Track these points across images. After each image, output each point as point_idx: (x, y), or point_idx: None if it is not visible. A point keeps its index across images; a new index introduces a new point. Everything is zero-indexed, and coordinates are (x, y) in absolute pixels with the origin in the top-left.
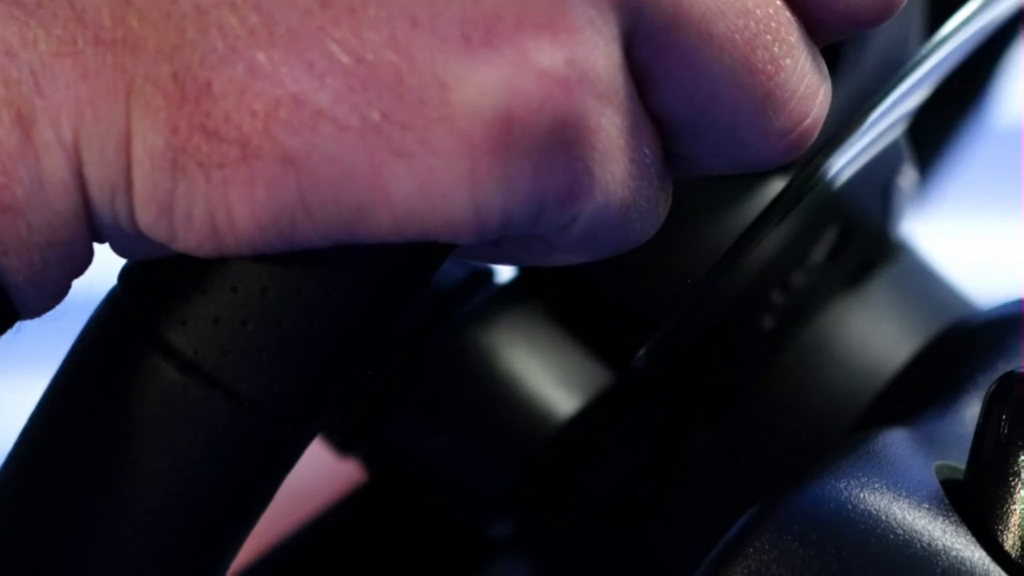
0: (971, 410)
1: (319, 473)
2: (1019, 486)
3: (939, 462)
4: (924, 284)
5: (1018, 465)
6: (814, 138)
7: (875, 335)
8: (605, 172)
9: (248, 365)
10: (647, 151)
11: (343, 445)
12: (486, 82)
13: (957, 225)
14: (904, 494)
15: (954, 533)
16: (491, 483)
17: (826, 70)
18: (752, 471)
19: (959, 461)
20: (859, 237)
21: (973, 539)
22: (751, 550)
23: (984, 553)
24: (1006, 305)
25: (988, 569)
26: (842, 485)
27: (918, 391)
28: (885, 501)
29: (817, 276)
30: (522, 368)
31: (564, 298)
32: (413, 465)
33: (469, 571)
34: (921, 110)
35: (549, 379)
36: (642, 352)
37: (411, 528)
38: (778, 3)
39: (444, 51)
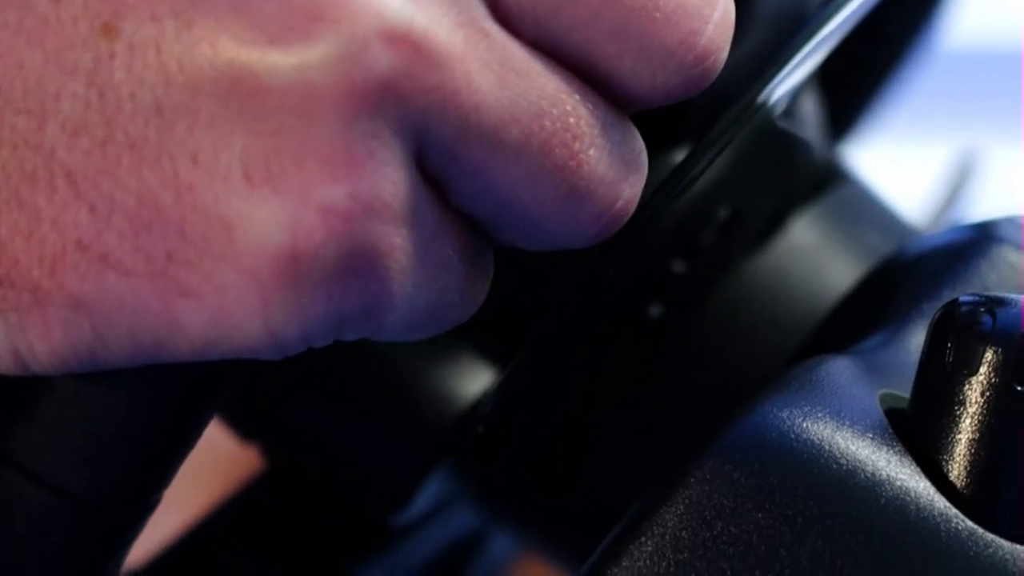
0: (916, 338)
1: (220, 460)
2: (964, 416)
3: (883, 391)
4: (866, 212)
5: (963, 394)
6: (630, 214)
7: (817, 263)
8: (405, 286)
9: (67, 461)
10: (452, 252)
11: (245, 432)
12: (268, 220)
13: (901, 151)
14: (848, 423)
15: (898, 463)
16: (393, 469)
17: (639, 145)
18: (692, 403)
19: (903, 390)
20: (795, 169)
21: (917, 469)
22: (692, 480)
23: (929, 483)
24: (951, 231)
25: (932, 499)
26: (785, 414)
27: (862, 319)
28: (828, 430)
29: (754, 207)
30: (423, 352)
31: None
32: (314, 452)
33: (370, 558)
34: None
35: (451, 362)
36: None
37: (312, 515)
38: (576, 97)
39: (226, 189)
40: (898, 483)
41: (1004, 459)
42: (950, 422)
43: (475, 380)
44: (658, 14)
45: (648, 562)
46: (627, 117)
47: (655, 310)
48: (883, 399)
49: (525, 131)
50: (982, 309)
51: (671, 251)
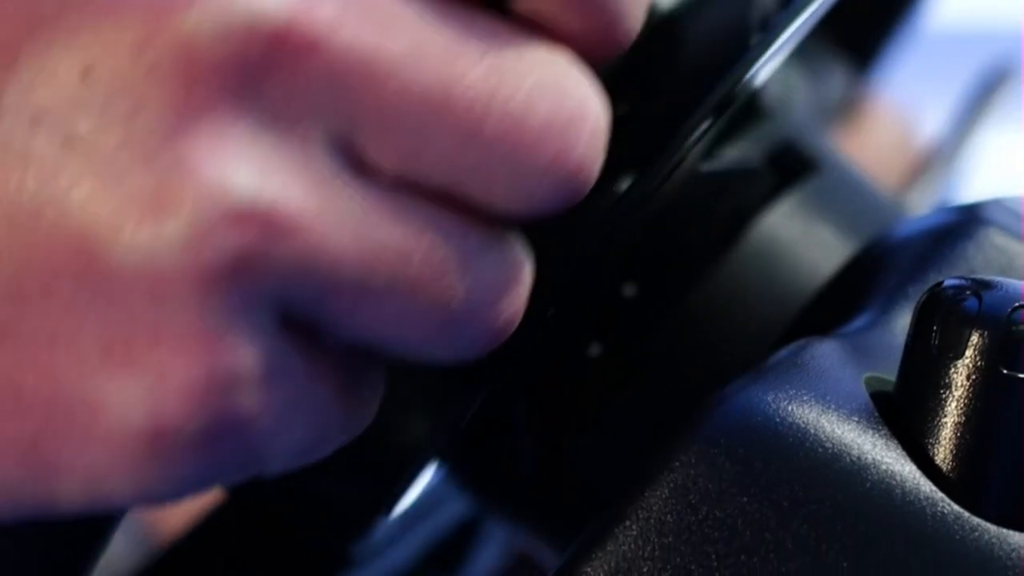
0: (901, 321)
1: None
2: (950, 399)
3: (869, 374)
4: (852, 194)
5: (949, 377)
6: (515, 326)
7: (803, 246)
8: (277, 441)
9: None
10: (327, 392)
11: None
12: (130, 399)
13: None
14: (833, 407)
15: (884, 447)
16: (350, 500)
17: (518, 255)
18: (677, 387)
19: (889, 373)
20: (782, 150)
21: (903, 452)
22: (677, 464)
23: (914, 467)
24: (937, 213)
25: (918, 483)
26: (770, 398)
27: (847, 302)
28: (814, 414)
29: (739, 190)
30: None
31: None
32: (270, 483)
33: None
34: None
35: (405, 391)
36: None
37: (269, 547)
38: (443, 231)
39: (86, 371)
40: (884, 467)
41: (990, 443)
42: (936, 405)
43: (431, 405)
44: (525, 139)
45: (633, 546)
46: (504, 233)
47: (629, 290)
48: (868, 382)
49: (391, 276)
50: (968, 292)
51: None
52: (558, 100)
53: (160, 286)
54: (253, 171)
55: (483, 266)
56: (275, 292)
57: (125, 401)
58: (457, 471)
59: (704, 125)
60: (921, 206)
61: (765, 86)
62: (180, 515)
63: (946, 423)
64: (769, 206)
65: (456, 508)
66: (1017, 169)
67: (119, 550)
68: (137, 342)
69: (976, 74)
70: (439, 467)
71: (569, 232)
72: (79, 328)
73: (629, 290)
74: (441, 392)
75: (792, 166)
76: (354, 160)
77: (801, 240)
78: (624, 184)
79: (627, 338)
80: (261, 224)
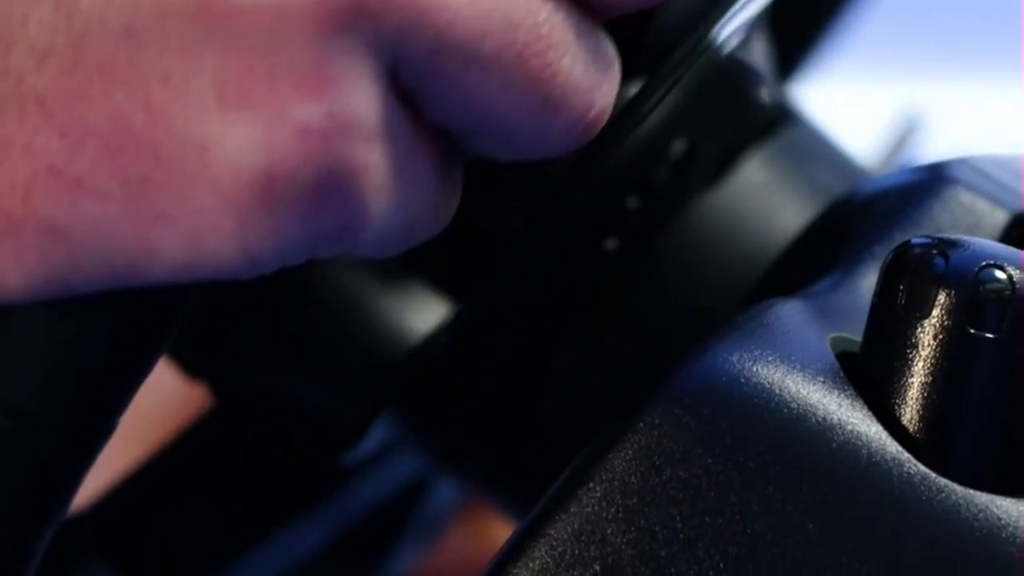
0: (867, 281)
1: (167, 400)
2: (916, 359)
3: (834, 334)
4: (817, 153)
5: (915, 337)
6: (603, 123)
7: (768, 204)
8: (380, 204)
9: (22, 383)
10: (426, 167)
11: (193, 370)
12: (243, 142)
13: (852, 89)
14: (799, 367)
15: (850, 407)
16: (343, 408)
17: (612, 51)
18: (642, 346)
19: (855, 333)
20: (748, 106)
21: (869, 413)
22: (641, 425)
23: (880, 428)
24: (903, 172)
25: (884, 443)
26: (735, 358)
27: (812, 262)
28: (779, 374)
29: (706, 144)
30: (373, 289)
31: None
32: (262, 390)
33: (317, 499)
34: None
35: (402, 299)
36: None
37: (260, 454)
38: (549, 7)
39: (199, 111)
40: (849, 427)
41: (957, 403)
42: (902, 366)
43: (426, 317)
44: None
45: (596, 508)
46: (599, 25)
47: (610, 244)
48: (834, 342)
49: (498, 43)
50: (935, 251)
51: (625, 186)
52: None
53: (280, 23)
54: None
55: (583, 49)
56: (391, 44)
57: (239, 143)
58: (420, 416)
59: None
60: (887, 165)
61: (735, 42)
62: (163, 430)
63: (912, 383)
64: (745, 155)
65: (414, 461)
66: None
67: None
68: (255, 82)
69: (940, 33)
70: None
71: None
72: (194, 69)
73: (611, 244)
74: (444, 296)
75: (770, 115)
76: None
77: (771, 195)
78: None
79: (600, 288)
80: None
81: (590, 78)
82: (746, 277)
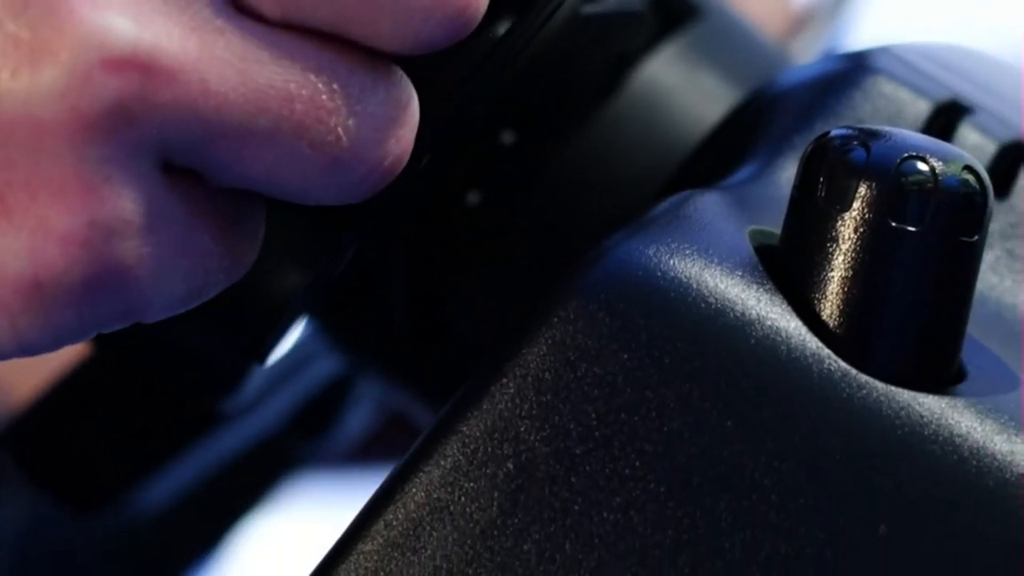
0: (787, 172)
1: None
2: (837, 252)
3: (753, 227)
4: (736, 42)
5: (836, 230)
6: (402, 165)
7: (685, 95)
8: (158, 286)
9: None
10: (212, 235)
11: None
12: (9, 251)
13: None
14: (716, 260)
15: (769, 302)
16: (221, 357)
17: (405, 92)
18: (556, 239)
19: (774, 226)
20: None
21: (788, 308)
22: (555, 320)
23: (800, 323)
24: (823, 62)
25: (804, 339)
26: (651, 251)
27: (731, 153)
28: (696, 268)
29: (621, 35)
30: None
31: None
32: (140, 337)
33: (195, 444)
34: None
35: (274, 247)
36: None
37: (137, 402)
38: (328, 71)
39: None
40: (768, 323)
41: (878, 297)
42: (822, 259)
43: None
44: None
45: (510, 405)
46: (390, 69)
47: (508, 137)
48: (753, 235)
49: (275, 118)
50: (856, 142)
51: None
52: None
53: (39, 135)
54: (131, 17)
55: (369, 105)
56: (157, 138)
57: (5, 252)
58: (329, 326)
59: None
60: (807, 55)
61: None
62: (40, 373)
63: (833, 277)
64: (651, 53)
65: (327, 365)
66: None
67: None
68: (16, 192)
69: None
70: (311, 322)
71: (447, 77)
72: None
73: (508, 137)
74: (314, 243)
75: (674, 12)
76: (234, 2)
77: (683, 89)
78: (503, 27)
79: (505, 187)
80: (141, 69)
81: (380, 131)
82: (661, 171)
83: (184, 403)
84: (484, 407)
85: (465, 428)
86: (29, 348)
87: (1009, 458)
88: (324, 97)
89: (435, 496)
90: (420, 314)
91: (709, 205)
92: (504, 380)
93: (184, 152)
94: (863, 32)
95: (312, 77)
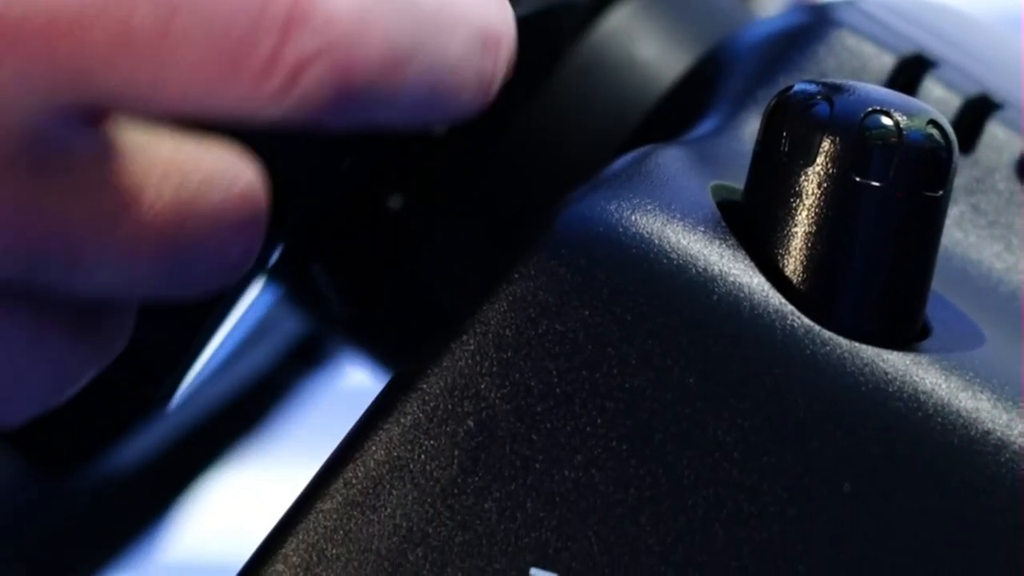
0: (749, 127)
1: None
2: (800, 208)
3: (715, 182)
4: None
5: (799, 185)
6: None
7: (646, 49)
8: (12, 398)
9: None
10: (65, 343)
11: None
12: None
13: None
14: (678, 216)
15: (731, 258)
16: (159, 345)
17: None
18: (517, 196)
19: (737, 181)
20: None
21: (752, 264)
22: (516, 276)
23: (763, 279)
24: (786, 15)
25: (767, 295)
26: (612, 207)
27: (693, 108)
28: (658, 223)
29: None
30: None
31: None
32: None
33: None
34: None
35: None
36: None
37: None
38: None
39: None
40: (731, 279)
41: (842, 253)
42: (785, 215)
43: None
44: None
45: (470, 361)
46: None
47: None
48: (715, 191)
49: None
50: (819, 96)
51: None
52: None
53: None
54: None
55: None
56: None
57: None
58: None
59: None
60: (770, 8)
61: None
62: None
63: (796, 233)
64: (610, 8)
65: (292, 329)
66: None
67: None
68: None
69: None
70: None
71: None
72: None
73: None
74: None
75: None
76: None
77: (644, 43)
78: None
79: (467, 146)
80: None
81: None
82: (624, 126)
83: (121, 392)
84: (444, 364)
85: (425, 385)
86: None
87: (974, 415)
88: None
89: (395, 454)
90: (389, 270)
91: (671, 160)
92: (464, 337)
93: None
94: None
95: None
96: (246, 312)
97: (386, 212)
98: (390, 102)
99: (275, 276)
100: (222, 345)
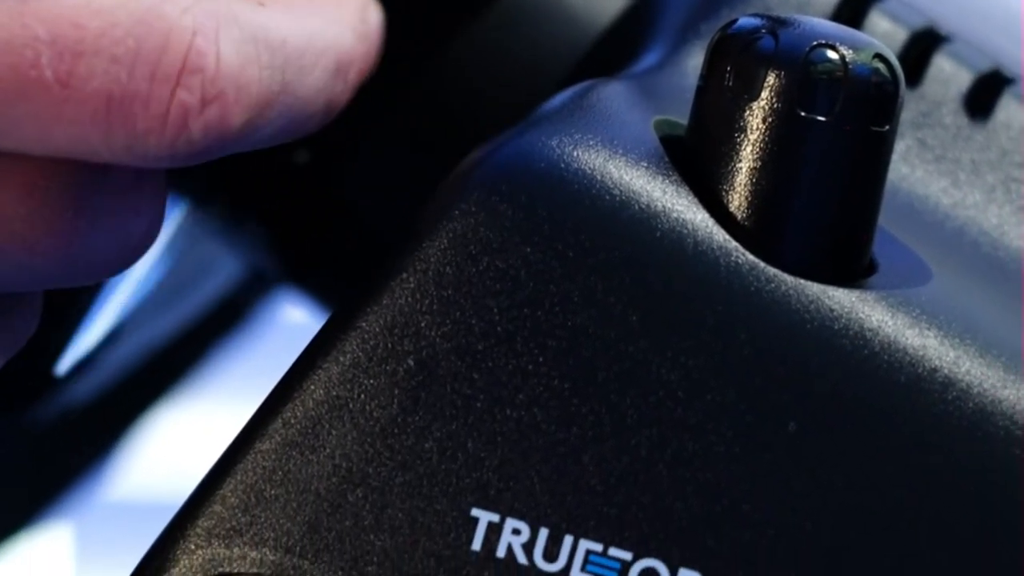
0: (693, 61)
1: None
2: (745, 143)
3: (658, 117)
4: None
5: (744, 120)
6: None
7: None
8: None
9: None
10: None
11: None
12: None
13: None
14: (621, 151)
15: (675, 193)
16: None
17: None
18: (453, 131)
19: (680, 116)
20: None
21: (695, 200)
22: (456, 213)
23: (707, 215)
24: None
25: (711, 231)
26: (553, 143)
27: (635, 42)
28: (600, 159)
29: None
30: None
31: None
32: None
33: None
34: None
35: None
36: None
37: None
38: None
39: None
40: (675, 215)
41: (787, 188)
42: (730, 150)
43: None
44: None
45: (410, 299)
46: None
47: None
48: (658, 126)
49: None
50: (764, 30)
51: None
52: None
53: None
54: None
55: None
56: None
57: None
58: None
59: None
60: None
61: None
62: None
63: (740, 168)
64: None
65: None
66: None
67: None
68: None
69: None
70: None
71: None
72: None
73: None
74: None
75: None
76: None
77: None
78: None
79: (399, 80)
80: None
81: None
82: (564, 60)
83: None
84: (384, 302)
85: (364, 324)
86: None
87: (921, 352)
88: None
89: (334, 393)
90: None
91: (613, 95)
92: (404, 274)
93: None
94: None
95: None
96: (183, 256)
97: (311, 154)
98: (254, 136)
99: (209, 221)
100: (161, 286)
